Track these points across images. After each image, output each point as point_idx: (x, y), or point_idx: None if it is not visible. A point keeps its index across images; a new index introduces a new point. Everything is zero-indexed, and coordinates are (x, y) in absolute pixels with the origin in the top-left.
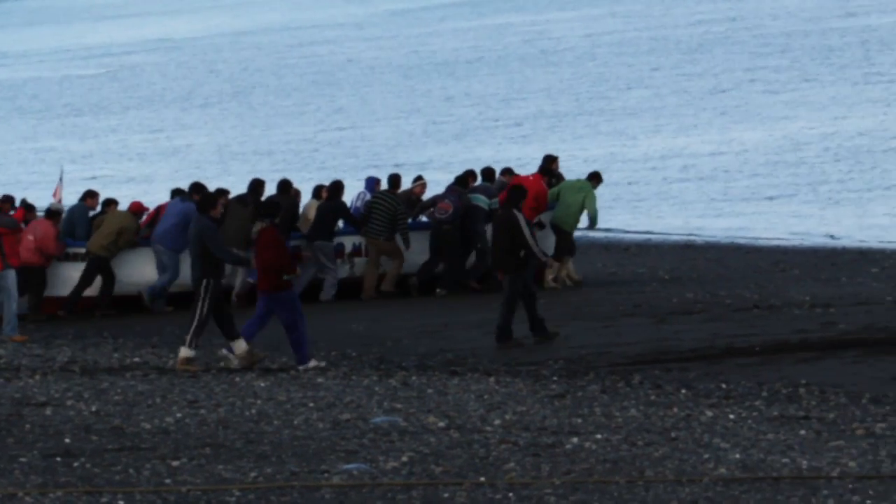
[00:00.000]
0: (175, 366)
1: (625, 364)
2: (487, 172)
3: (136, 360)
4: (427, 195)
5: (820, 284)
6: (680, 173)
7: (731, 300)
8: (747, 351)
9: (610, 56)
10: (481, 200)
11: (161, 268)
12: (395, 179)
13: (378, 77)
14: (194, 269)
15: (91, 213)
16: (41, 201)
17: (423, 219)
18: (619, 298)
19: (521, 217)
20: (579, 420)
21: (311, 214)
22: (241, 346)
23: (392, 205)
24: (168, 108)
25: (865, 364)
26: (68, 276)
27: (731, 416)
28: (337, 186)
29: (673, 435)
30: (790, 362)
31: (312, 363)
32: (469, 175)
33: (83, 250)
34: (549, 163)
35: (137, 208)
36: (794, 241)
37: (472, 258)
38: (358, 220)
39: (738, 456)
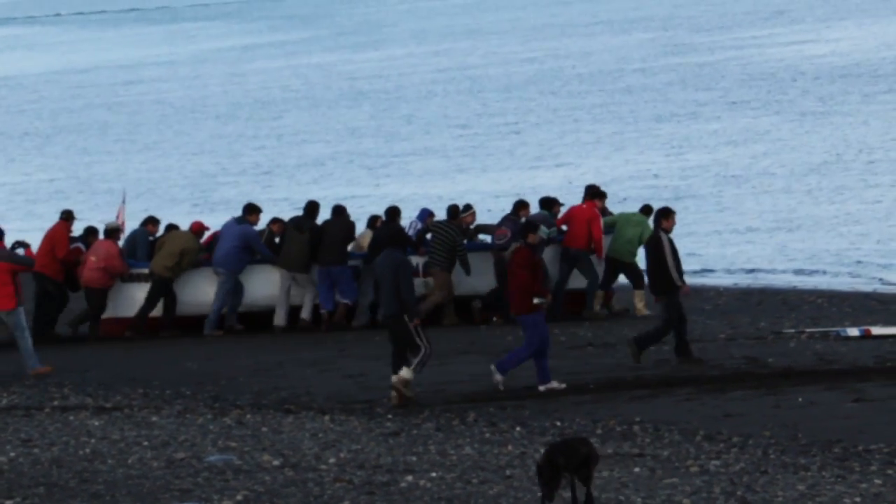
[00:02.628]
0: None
1: (459, 402)
2: (546, 202)
3: None
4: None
5: (653, 322)
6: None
7: (566, 338)
8: (582, 388)
9: (421, 96)
10: (540, 230)
11: (220, 292)
12: (453, 210)
13: (187, 116)
14: (392, 301)
15: (151, 238)
16: None
17: (485, 238)
18: (454, 336)
19: (664, 239)
20: (414, 458)
21: (365, 243)
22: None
23: (451, 234)
24: None
25: (699, 401)
26: (132, 296)
27: None
28: (395, 211)
29: (508, 473)
30: (625, 399)
31: (554, 384)
32: (521, 206)
33: (146, 270)
34: (594, 192)
35: (198, 228)
36: (625, 280)
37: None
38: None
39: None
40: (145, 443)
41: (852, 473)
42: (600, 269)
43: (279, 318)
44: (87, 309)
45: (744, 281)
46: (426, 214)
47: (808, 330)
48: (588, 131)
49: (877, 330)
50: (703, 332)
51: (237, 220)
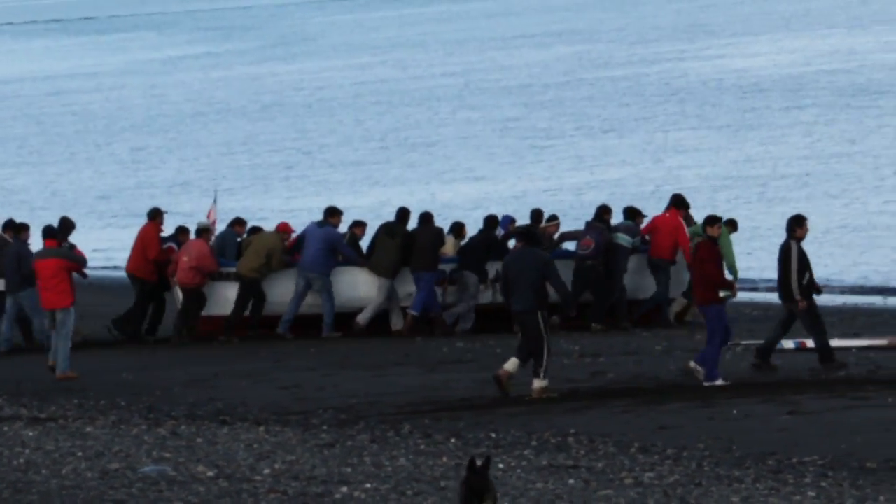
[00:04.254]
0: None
1: (395, 413)
2: (631, 211)
3: None
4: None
5: (589, 335)
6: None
7: (501, 350)
8: (517, 400)
9: (340, 108)
10: (623, 239)
11: (299, 293)
12: (537, 215)
13: (107, 128)
14: (527, 299)
15: (238, 240)
16: None
17: (568, 247)
18: (389, 347)
19: (794, 247)
20: (349, 469)
21: (449, 250)
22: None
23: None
24: None
25: (634, 413)
26: (223, 294)
27: (501, 466)
28: (492, 220)
29: (442, 484)
30: (560, 412)
31: (719, 382)
32: (605, 210)
33: (234, 269)
34: (678, 201)
35: (284, 229)
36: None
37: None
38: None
39: None
40: (79, 453)
41: (786, 486)
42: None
43: (363, 318)
44: (133, 310)
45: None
46: (508, 221)
47: (743, 342)
48: (505, 145)
49: (812, 343)
50: (639, 344)
51: (318, 224)
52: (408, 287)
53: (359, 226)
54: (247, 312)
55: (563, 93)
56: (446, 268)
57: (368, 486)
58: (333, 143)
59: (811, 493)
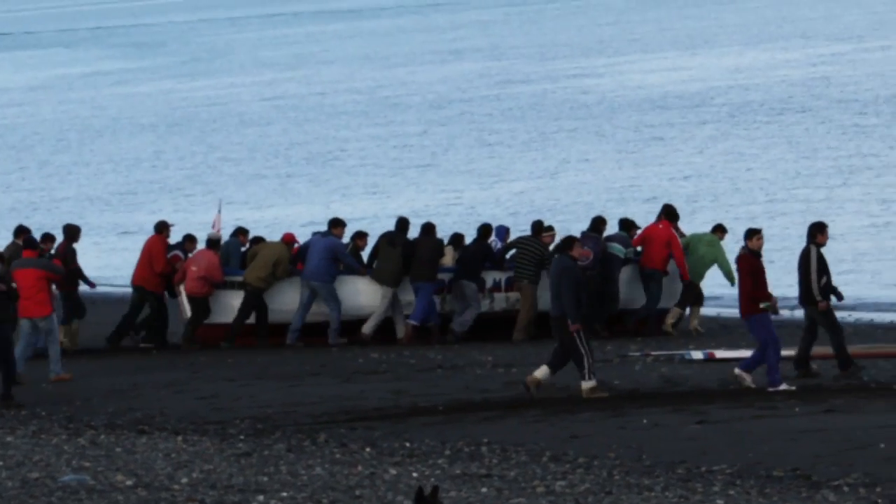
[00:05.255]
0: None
1: (311, 423)
2: (625, 223)
3: None
4: None
5: (502, 346)
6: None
7: (416, 360)
8: (431, 410)
9: (249, 123)
10: (618, 249)
11: (304, 303)
12: (538, 226)
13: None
14: (559, 305)
15: (242, 249)
16: None
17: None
18: (305, 357)
19: (814, 252)
20: (265, 478)
21: (448, 260)
22: (542, 371)
23: (539, 249)
24: None
25: (546, 423)
26: (227, 303)
27: (415, 474)
28: (486, 229)
29: (357, 493)
30: (473, 421)
31: (783, 387)
32: (601, 221)
33: (239, 278)
34: (670, 213)
35: (290, 239)
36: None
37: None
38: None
39: None
40: (0, 462)
41: (695, 494)
42: (676, 289)
43: (368, 328)
44: (149, 318)
45: None
46: (503, 231)
47: (653, 353)
48: (407, 160)
49: (720, 353)
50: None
51: (322, 234)
52: (409, 296)
53: (360, 237)
54: (247, 321)
55: (465, 109)
56: (445, 277)
57: (285, 494)
58: (239, 158)
59: (720, 502)
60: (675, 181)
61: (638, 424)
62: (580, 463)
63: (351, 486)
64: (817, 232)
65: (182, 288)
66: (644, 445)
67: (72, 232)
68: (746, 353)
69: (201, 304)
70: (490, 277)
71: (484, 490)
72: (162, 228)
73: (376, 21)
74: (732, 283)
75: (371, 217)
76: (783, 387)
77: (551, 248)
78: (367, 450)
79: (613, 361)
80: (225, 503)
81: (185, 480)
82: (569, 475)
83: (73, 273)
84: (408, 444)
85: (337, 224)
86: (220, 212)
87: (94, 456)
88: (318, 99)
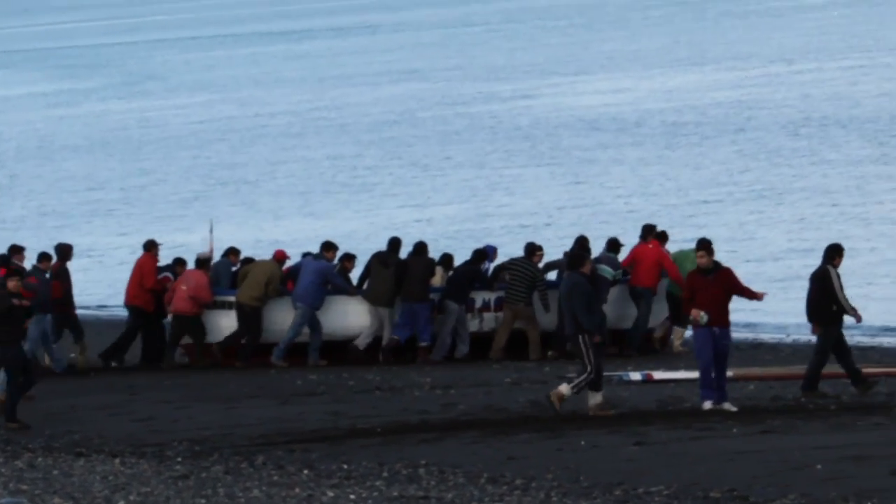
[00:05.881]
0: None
1: (248, 445)
2: (612, 244)
3: None
4: None
5: (440, 368)
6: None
7: (354, 382)
8: (369, 432)
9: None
10: (606, 271)
11: (295, 324)
12: (531, 248)
13: None
14: (570, 323)
15: (233, 269)
16: None
17: (551, 277)
18: (243, 380)
19: (833, 272)
20: (203, 501)
21: (437, 280)
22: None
23: (531, 271)
24: None
25: (484, 444)
26: (217, 323)
27: (352, 496)
28: (480, 254)
29: None
30: (411, 443)
31: (726, 405)
32: (584, 239)
33: (231, 298)
34: (650, 231)
35: (281, 256)
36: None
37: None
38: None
39: None
40: None
41: None
42: (663, 307)
43: (361, 341)
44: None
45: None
46: (492, 251)
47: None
48: (339, 182)
49: (658, 374)
50: (489, 376)
51: (314, 257)
52: (397, 316)
53: (348, 259)
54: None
55: (400, 131)
56: (434, 297)
57: None
58: (170, 179)
59: None
60: (609, 202)
61: (575, 446)
62: (517, 485)
63: None
64: (835, 254)
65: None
66: (582, 467)
67: (64, 251)
68: (686, 375)
69: (188, 323)
70: (479, 297)
71: None
72: (151, 247)
73: (313, 42)
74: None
75: (303, 240)
76: (726, 405)
77: (541, 265)
78: (305, 472)
79: (551, 382)
80: None
81: (122, 503)
82: (506, 497)
83: (68, 293)
84: (345, 466)
85: (329, 248)
86: (211, 231)
87: (32, 479)
88: (252, 121)
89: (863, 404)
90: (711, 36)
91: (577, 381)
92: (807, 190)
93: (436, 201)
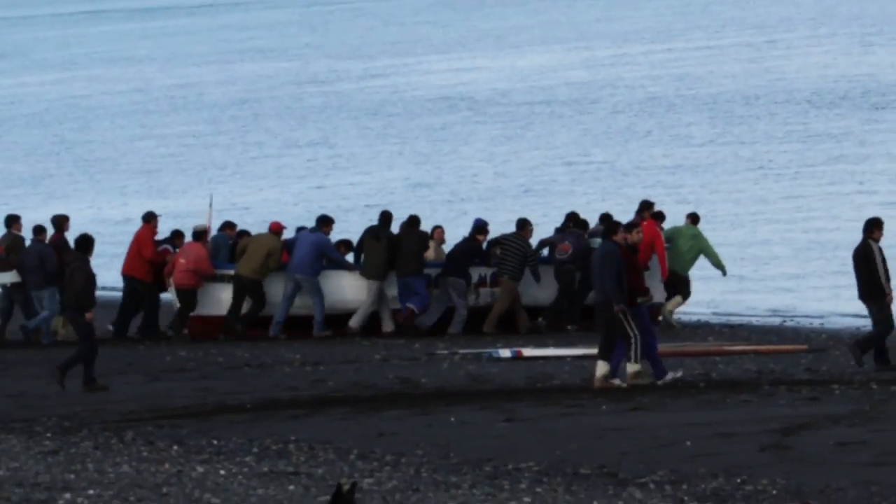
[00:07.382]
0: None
1: (118, 421)
2: (606, 218)
3: None
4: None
5: (311, 344)
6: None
7: (224, 358)
8: (239, 408)
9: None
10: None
11: (287, 295)
12: (522, 223)
13: None
14: (600, 292)
15: (230, 242)
16: None
17: (544, 254)
18: (114, 356)
19: (875, 248)
20: (72, 476)
21: (431, 254)
22: (601, 368)
23: (522, 246)
24: None
25: (354, 420)
26: (217, 296)
27: (222, 472)
28: (481, 226)
29: (164, 490)
30: (281, 419)
31: (669, 376)
32: (575, 216)
33: (230, 272)
34: (647, 208)
35: (278, 228)
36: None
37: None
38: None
39: None
40: None
41: (502, 491)
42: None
43: (355, 322)
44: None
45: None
46: (481, 223)
47: (461, 351)
48: (189, 160)
49: (528, 351)
50: (359, 353)
51: (311, 231)
52: (395, 290)
53: (343, 244)
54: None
55: (252, 109)
56: (431, 272)
57: (91, 492)
58: (19, 157)
59: (527, 499)
60: (461, 180)
61: (445, 422)
62: (388, 461)
63: (158, 483)
64: (875, 228)
65: (171, 280)
66: (451, 443)
67: (61, 222)
68: (554, 352)
69: (190, 296)
70: (476, 273)
71: (291, 488)
72: (150, 218)
73: (169, 21)
74: (724, 272)
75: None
76: (669, 376)
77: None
78: (175, 447)
79: (421, 360)
80: (31, 501)
81: None
82: (376, 472)
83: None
84: (215, 442)
85: (326, 222)
86: (211, 205)
87: None
88: (101, 99)
89: (731, 381)
90: (565, 16)
91: (630, 353)
92: (652, 168)
93: (287, 178)
